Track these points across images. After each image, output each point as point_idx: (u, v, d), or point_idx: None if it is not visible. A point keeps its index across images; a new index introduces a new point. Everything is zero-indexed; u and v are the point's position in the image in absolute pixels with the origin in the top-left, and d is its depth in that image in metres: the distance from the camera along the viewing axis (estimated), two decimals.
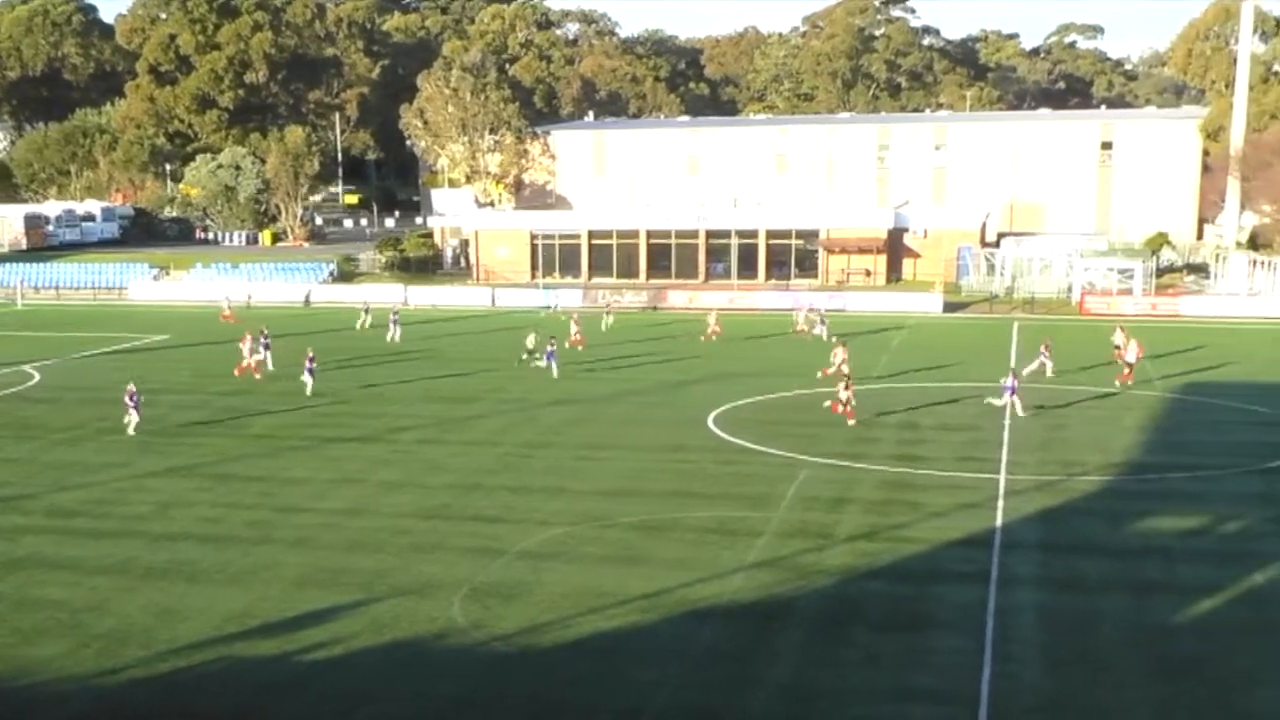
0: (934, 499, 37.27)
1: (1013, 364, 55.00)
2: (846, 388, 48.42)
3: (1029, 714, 23.33)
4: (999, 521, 35.04)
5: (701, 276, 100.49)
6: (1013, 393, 48.68)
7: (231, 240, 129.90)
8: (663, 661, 25.59)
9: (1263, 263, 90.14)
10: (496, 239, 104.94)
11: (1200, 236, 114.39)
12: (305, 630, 27.40)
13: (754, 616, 28.07)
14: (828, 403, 48.73)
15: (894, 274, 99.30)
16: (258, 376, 58.62)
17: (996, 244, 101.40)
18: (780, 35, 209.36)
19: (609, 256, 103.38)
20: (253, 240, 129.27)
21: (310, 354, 55.51)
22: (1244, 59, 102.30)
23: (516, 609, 28.42)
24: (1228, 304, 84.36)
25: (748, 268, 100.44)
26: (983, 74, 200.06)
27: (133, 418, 47.06)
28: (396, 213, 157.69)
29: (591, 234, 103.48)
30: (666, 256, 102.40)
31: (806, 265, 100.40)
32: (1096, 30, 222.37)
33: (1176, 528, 34.47)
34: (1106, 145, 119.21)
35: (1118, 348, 58.32)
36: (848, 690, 24.34)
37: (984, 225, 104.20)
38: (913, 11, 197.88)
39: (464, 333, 73.75)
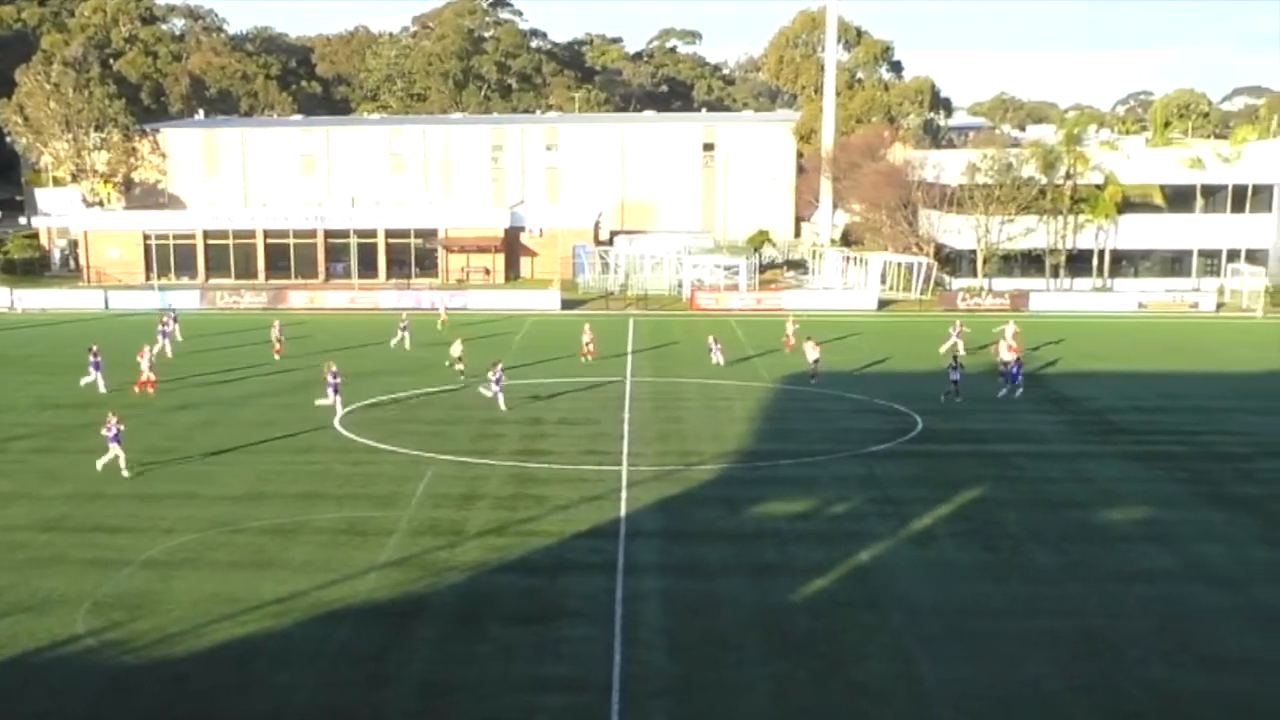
0: (559, 492, 38.34)
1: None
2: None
3: (658, 696, 24.45)
4: (623, 512, 36.38)
5: (322, 276, 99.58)
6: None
7: None
8: (299, 664, 25.61)
9: (855, 259, 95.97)
10: (107, 240, 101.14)
11: (798, 234, 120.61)
12: None
13: (388, 615, 28.34)
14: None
15: (512, 272, 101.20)
16: (151, 391, 54.25)
17: (610, 242, 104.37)
18: (391, 35, 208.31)
19: (226, 257, 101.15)
20: None
21: (333, 368, 51.17)
22: (831, 66, 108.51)
23: (145, 620, 27.82)
24: (825, 298, 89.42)
25: (368, 267, 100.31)
26: (590, 76, 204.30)
27: None
28: None
29: (207, 234, 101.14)
30: (285, 256, 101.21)
31: (427, 264, 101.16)
32: (695, 36, 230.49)
33: (788, 511, 36.57)
34: (709, 146, 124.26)
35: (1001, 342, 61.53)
36: (483, 683, 24.90)
37: (597, 224, 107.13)
38: (520, 14, 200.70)
39: (77, 336, 70.31)
